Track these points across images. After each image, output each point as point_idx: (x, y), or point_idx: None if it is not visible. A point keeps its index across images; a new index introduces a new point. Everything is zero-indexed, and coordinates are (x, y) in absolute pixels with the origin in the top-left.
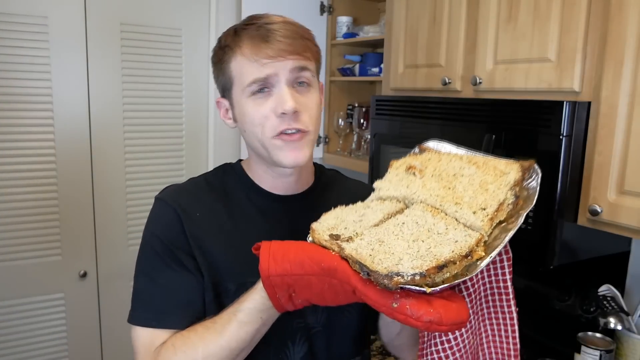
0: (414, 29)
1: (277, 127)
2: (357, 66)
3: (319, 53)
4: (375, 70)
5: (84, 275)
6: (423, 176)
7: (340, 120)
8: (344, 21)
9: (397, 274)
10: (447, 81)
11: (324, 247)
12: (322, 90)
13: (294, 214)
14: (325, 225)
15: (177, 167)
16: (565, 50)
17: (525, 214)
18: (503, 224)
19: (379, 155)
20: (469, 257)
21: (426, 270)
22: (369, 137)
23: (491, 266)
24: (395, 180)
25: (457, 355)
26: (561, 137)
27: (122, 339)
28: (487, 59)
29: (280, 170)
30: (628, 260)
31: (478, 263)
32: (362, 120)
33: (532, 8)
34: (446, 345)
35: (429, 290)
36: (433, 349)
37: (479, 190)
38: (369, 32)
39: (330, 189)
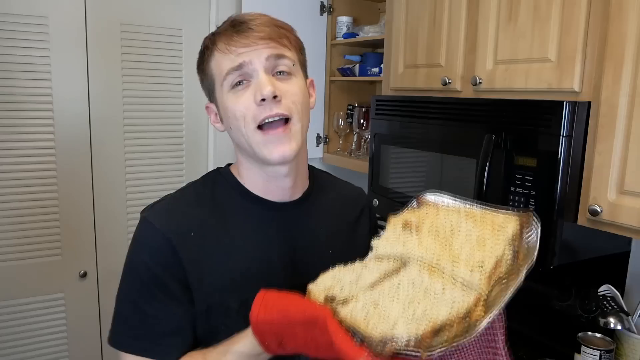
0: (414, 29)
1: (257, 115)
2: (357, 66)
3: (299, 43)
4: (375, 70)
5: (84, 275)
6: (419, 233)
7: (340, 120)
8: (344, 21)
9: (392, 339)
10: (447, 81)
11: None
12: (312, 85)
13: (291, 223)
14: (322, 287)
15: (177, 167)
16: (565, 51)
17: (525, 269)
18: (504, 281)
19: (379, 155)
20: (468, 318)
21: (421, 335)
22: (369, 137)
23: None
24: (392, 237)
25: None
26: (561, 137)
27: None
28: (487, 59)
29: (272, 171)
30: (628, 260)
31: (477, 323)
32: (362, 120)
33: (532, 8)
34: None
35: (424, 355)
36: None
37: (476, 246)
38: (369, 32)
39: (324, 193)
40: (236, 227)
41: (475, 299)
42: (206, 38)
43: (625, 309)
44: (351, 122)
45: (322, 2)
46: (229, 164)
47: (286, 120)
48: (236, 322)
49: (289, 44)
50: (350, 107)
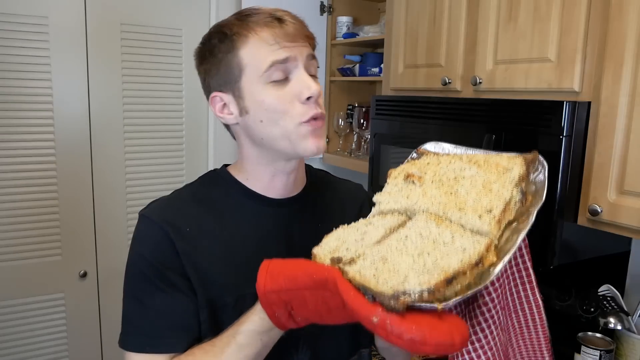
0: (414, 29)
1: (305, 112)
2: (357, 66)
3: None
4: (375, 70)
5: (84, 275)
6: (423, 183)
7: (340, 120)
8: (344, 21)
9: (404, 293)
10: (447, 81)
11: None
12: None
13: (289, 218)
14: (327, 249)
15: (177, 167)
16: (565, 51)
17: (536, 210)
18: (513, 224)
19: (379, 155)
20: (480, 265)
21: (434, 285)
22: (369, 137)
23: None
24: (395, 191)
25: (489, 353)
26: (561, 137)
27: None
28: (487, 59)
29: (283, 166)
30: (628, 260)
31: (491, 270)
32: (362, 120)
33: (532, 8)
34: (477, 345)
35: (439, 306)
36: (463, 349)
37: (482, 191)
38: (369, 32)
39: (322, 190)
40: (233, 223)
41: (487, 244)
42: (229, 24)
43: (625, 309)
44: (351, 122)
45: (322, 2)
46: (226, 165)
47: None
48: (233, 317)
49: (315, 47)
50: (350, 107)
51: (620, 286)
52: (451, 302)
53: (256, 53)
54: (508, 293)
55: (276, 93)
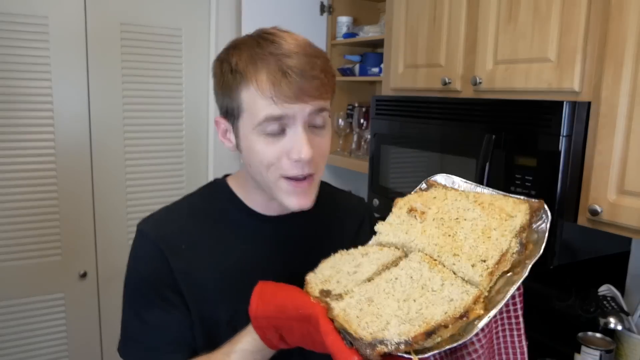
0: (414, 29)
1: (288, 170)
2: (357, 66)
3: (335, 83)
4: (375, 70)
5: (84, 275)
6: (424, 220)
7: (340, 120)
8: (344, 21)
9: (381, 342)
10: (447, 81)
11: None
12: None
13: (285, 235)
14: (320, 277)
15: (177, 167)
16: (565, 50)
17: (531, 263)
18: (508, 274)
19: (379, 155)
20: (465, 318)
21: (412, 338)
22: (369, 137)
23: (503, 309)
24: (396, 223)
25: None
26: (561, 137)
27: None
28: (487, 59)
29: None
30: (628, 260)
31: (476, 323)
32: (362, 120)
33: (532, 8)
34: None
35: (415, 358)
36: None
37: (481, 237)
38: (369, 32)
39: (322, 205)
40: (229, 239)
41: (475, 297)
42: (239, 59)
43: (625, 309)
44: (351, 122)
45: (322, 2)
46: (226, 175)
47: (310, 174)
48: (227, 333)
49: (330, 94)
50: (350, 107)
51: (620, 286)
52: (429, 354)
53: (254, 101)
54: (495, 337)
55: (266, 147)
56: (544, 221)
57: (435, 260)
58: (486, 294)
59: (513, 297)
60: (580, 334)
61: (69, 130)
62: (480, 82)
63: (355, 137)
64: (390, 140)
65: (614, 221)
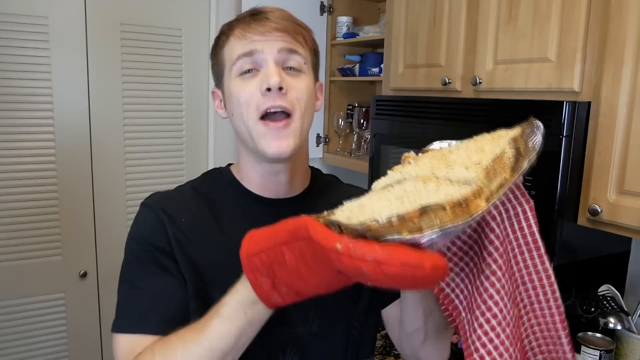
0: (414, 29)
1: (261, 105)
2: (357, 66)
3: (314, 44)
4: (375, 70)
5: (84, 275)
6: (418, 161)
7: (340, 120)
8: (344, 21)
9: (373, 220)
10: (447, 81)
11: None
12: (320, 89)
13: (283, 218)
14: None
15: (177, 167)
16: (565, 50)
17: (527, 159)
18: (509, 181)
19: (379, 155)
20: (464, 206)
21: (406, 214)
22: (369, 137)
23: (514, 220)
24: (390, 174)
25: (508, 330)
26: (561, 137)
27: None
28: (487, 59)
29: (268, 167)
30: (628, 260)
31: (477, 210)
32: (362, 120)
33: (532, 8)
34: (493, 322)
35: (408, 235)
36: (475, 337)
37: (473, 152)
38: (369, 32)
39: (325, 195)
40: (227, 220)
41: (474, 190)
42: (224, 25)
43: (625, 309)
44: (351, 122)
45: (322, 2)
46: (230, 164)
47: (288, 115)
48: None
49: (304, 42)
50: (350, 107)
51: (620, 286)
52: (426, 235)
53: (230, 49)
54: (513, 262)
55: (243, 86)
56: (536, 134)
57: (429, 177)
58: (487, 193)
59: (525, 213)
60: (580, 334)
61: (69, 130)
62: (480, 82)
63: (355, 137)
64: (390, 140)
65: (614, 221)
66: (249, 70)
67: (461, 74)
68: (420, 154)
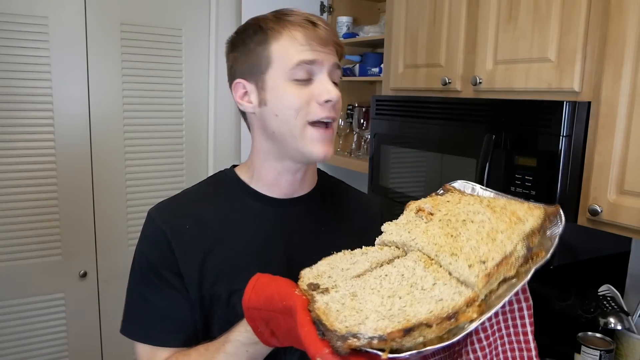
0: (414, 29)
1: (317, 113)
2: (357, 66)
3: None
4: (375, 70)
5: (84, 275)
6: (430, 220)
7: (340, 120)
8: (344, 21)
9: (354, 336)
10: (447, 81)
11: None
12: None
13: (289, 219)
14: (314, 272)
15: (177, 167)
16: (565, 50)
17: (534, 267)
18: (513, 280)
19: (379, 155)
20: (453, 320)
21: (388, 334)
22: (369, 137)
23: (509, 316)
24: (402, 223)
25: None
26: (561, 137)
27: (122, 339)
28: (487, 59)
29: (292, 165)
30: (628, 260)
31: (465, 326)
32: (362, 120)
33: (532, 8)
34: None
35: (384, 355)
36: None
37: (485, 239)
38: (369, 32)
39: (330, 197)
40: (233, 221)
41: (467, 299)
42: (265, 19)
43: (625, 309)
44: (351, 122)
45: (322, 2)
46: (234, 165)
47: (329, 123)
48: (226, 312)
49: (342, 57)
50: (350, 107)
51: (620, 286)
52: (406, 355)
53: (286, 50)
54: (502, 356)
55: (297, 91)
56: (558, 226)
57: (432, 260)
58: (482, 297)
59: (521, 310)
60: (580, 334)
61: (69, 130)
62: (480, 82)
63: (355, 137)
64: (390, 140)
65: (614, 221)
66: (305, 79)
67: (461, 74)
68: (441, 191)
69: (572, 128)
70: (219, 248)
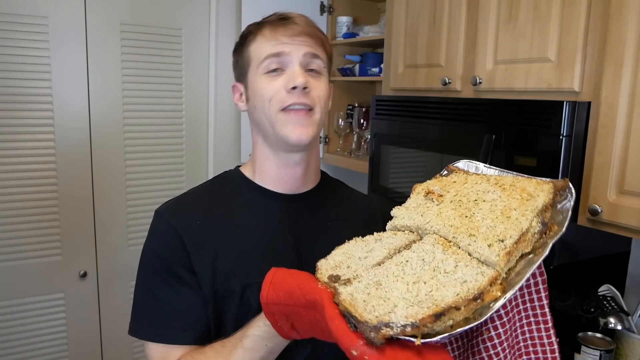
0: (414, 29)
1: (285, 100)
2: (357, 66)
3: (330, 51)
4: (375, 70)
5: (84, 275)
6: (441, 202)
7: (340, 120)
8: (344, 21)
9: (387, 325)
10: (447, 81)
11: None
12: (331, 90)
13: (297, 214)
14: (331, 263)
15: (177, 167)
16: (565, 50)
17: (552, 241)
18: (530, 256)
19: (379, 155)
20: (480, 300)
21: (420, 320)
22: (369, 137)
23: (525, 291)
24: (412, 207)
25: None
26: (561, 137)
27: (122, 339)
28: (487, 59)
29: (286, 157)
30: (628, 260)
31: (491, 305)
32: (362, 120)
33: (532, 8)
34: None
35: (418, 341)
36: None
37: (499, 218)
38: (369, 32)
39: (335, 193)
40: (242, 217)
41: (490, 278)
42: (251, 25)
43: (625, 309)
44: (351, 122)
45: (322, 2)
46: (238, 166)
47: (310, 109)
48: (239, 306)
49: (324, 48)
50: (350, 107)
51: (620, 286)
52: (438, 338)
53: (259, 48)
54: (519, 331)
55: (268, 82)
56: (568, 200)
57: (449, 242)
58: (504, 275)
59: (537, 285)
60: (580, 334)
61: (69, 130)
62: (480, 82)
63: (355, 137)
64: (390, 140)
65: (614, 221)
66: (275, 70)
67: (461, 74)
68: (445, 172)
69: (572, 128)
70: (229, 243)
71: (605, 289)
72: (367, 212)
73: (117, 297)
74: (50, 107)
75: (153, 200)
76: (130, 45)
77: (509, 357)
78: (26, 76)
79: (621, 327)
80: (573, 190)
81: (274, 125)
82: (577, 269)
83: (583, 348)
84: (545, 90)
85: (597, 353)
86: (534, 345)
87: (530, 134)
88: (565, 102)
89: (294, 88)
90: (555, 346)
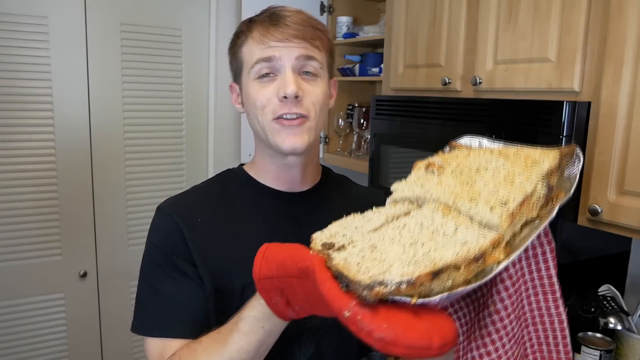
0: (414, 29)
1: (277, 110)
2: (357, 66)
3: (330, 45)
4: (375, 70)
5: (84, 275)
6: (442, 174)
7: (340, 120)
8: (344, 21)
9: (381, 283)
10: (447, 81)
11: None
12: (334, 86)
13: (298, 212)
14: (327, 234)
15: (177, 167)
16: (565, 50)
17: (559, 205)
18: (536, 222)
19: (379, 155)
20: (481, 261)
21: (416, 278)
22: (369, 137)
23: (532, 260)
24: (413, 179)
25: None
26: (561, 137)
27: (122, 339)
28: (487, 59)
29: (282, 161)
30: (628, 260)
31: (492, 267)
32: (362, 120)
33: (532, 8)
34: (485, 359)
35: (413, 300)
36: None
37: (502, 183)
38: (369, 32)
39: (336, 190)
40: (243, 215)
41: (492, 240)
42: (242, 23)
43: (625, 309)
44: (351, 122)
45: (322, 2)
46: (242, 164)
47: (303, 117)
48: (240, 305)
49: (321, 46)
50: (350, 107)
51: (620, 286)
52: (436, 298)
53: (250, 51)
54: (525, 302)
55: (259, 89)
56: (576, 166)
57: (450, 207)
58: (507, 238)
59: (544, 254)
60: (580, 334)
61: (69, 130)
62: (480, 82)
63: (355, 137)
64: (390, 140)
65: (614, 221)
66: (266, 74)
67: (461, 74)
68: (447, 148)
69: (572, 128)
70: (231, 241)
71: (605, 289)
72: (371, 205)
73: (117, 297)
74: (50, 107)
75: (153, 200)
76: (130, 45)
77: (516, 329)
78: (26, 76)
79: (621, 327)
80: (581, 156)
81: (267, 133)
82: (577, 269)
83: (583, 348)
84: (546, 90)
85: (597, 353)
86: (541, 315)
87: (531, 134)
88: (565, 102)
89: (285, 97)
90: (564, 316)
